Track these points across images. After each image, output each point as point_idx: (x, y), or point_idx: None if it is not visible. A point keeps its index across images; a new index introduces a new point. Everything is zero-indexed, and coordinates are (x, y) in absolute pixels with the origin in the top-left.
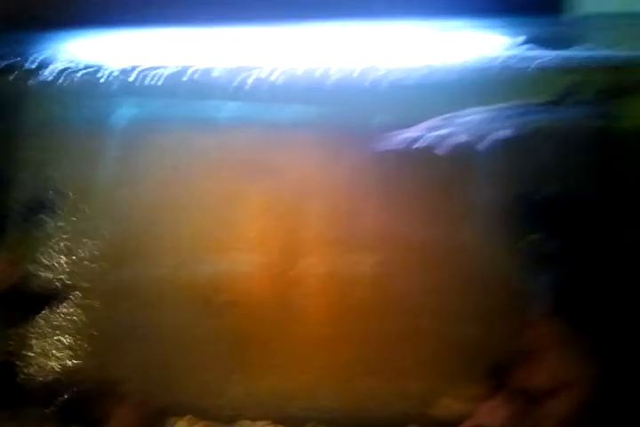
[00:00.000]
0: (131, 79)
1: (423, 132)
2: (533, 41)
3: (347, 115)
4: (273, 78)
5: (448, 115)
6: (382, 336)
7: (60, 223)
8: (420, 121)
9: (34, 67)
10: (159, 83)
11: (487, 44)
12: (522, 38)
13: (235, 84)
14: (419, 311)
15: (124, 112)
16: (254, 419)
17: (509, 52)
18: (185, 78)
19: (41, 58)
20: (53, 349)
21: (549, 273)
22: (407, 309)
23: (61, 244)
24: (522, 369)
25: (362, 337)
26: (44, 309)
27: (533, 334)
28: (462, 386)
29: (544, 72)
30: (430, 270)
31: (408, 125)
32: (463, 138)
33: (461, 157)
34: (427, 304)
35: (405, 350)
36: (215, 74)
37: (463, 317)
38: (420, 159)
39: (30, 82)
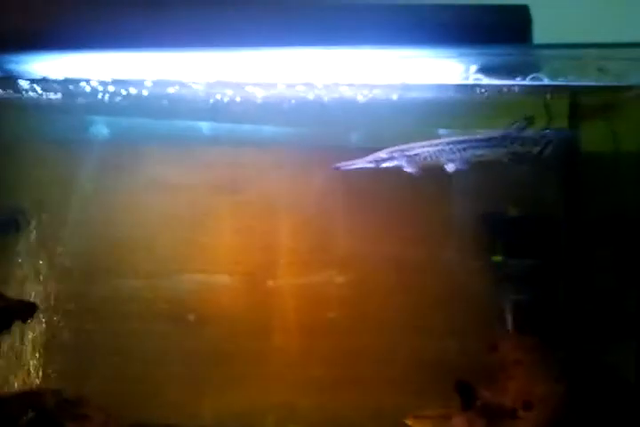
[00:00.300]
0: (104, 96)
1: (372, 164)
2: (490, 69)
3: (316, 134)
4: (246, 98)
5: (396, 147)
6: (353, 353)
7: (28, 242)
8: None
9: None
10: (131, 100)
11: (445, 71)
12: (476, 67)
13: (209, 102)
14: (389, 329)
15: (98, 130)
16: None
17: (466, 80)
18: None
19: (15, 71)
20: (20, 366)
21: (517, 291)
22: (377, 326)
23: (30, 262)
24: (489, 386)
25: (333, 354)
26: (11, 325)
27: (502, 351)
28: (432, 403)
29: (503, 97)
30: (400, 288)
31: (375, 144)
32: (410, 170)
33: (422, 181)
34: (396, 322)
35: (376, 367)
36: (189, 92)
37: (433, 334)
38: (385, 182)
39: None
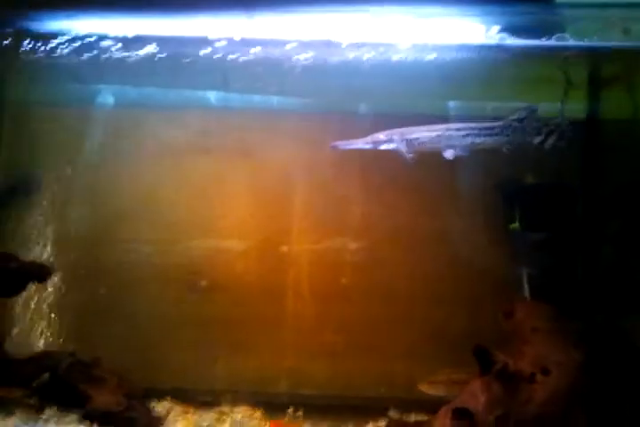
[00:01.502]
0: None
1: (370, 145)
2: (512, 29)
3: (330, 100)
4: (259, 63)
5: (395, 130)
6: (366, 321)
7: (38, 206)
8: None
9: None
10: (142, 65)
11: (465, 32)
12: (499, 26)
13: (219, 67)
14: (402, 296)
15: (108, 96)
16: (234, 404)
17: (487, 40)
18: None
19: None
20: (32, 329)
21: (533, 259)
22: (391, 294)
23: (42, 226)
24: (505, 353)
25: (345, 322)
26: (23, 289)
27: (518, 318)
28: (446, 370)
29: (520, 60)
30: (414, 256)
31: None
32: (408, 154)
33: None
34: (410, 289)
35: (389, 335)
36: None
37: (447, 301)
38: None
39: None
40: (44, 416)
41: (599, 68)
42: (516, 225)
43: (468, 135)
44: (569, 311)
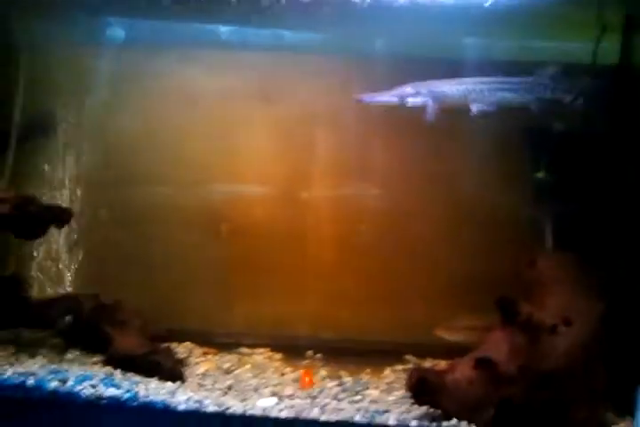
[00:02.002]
0: None
1: (397, 98)
2: None
3: (352, 41)
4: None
5: (422, 83)
6: (386, 266)
7: (55, 147)
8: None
9: None
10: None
11: None
12: None
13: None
14: (423, 243)
15: (124, 32)
16: (253, 346)
17: None
18: None
19: None
20: (56, 271)
21: (556, 208)
22: (411, 240)
23: (60, 168)
24: (528, 303)
25: (365, 267)
26: (46, 231)
27: (540, 268)
28: (463, 316)
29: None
30: (435, 203)
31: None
32: (435, 108)
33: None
34: (430, 236)
35: (409, 281)
36: None
37: (468, 249)
38: None
39: None
40: (68, 357)
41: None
42: (542, 173)
43: (496, 90)
44: (592, 261)
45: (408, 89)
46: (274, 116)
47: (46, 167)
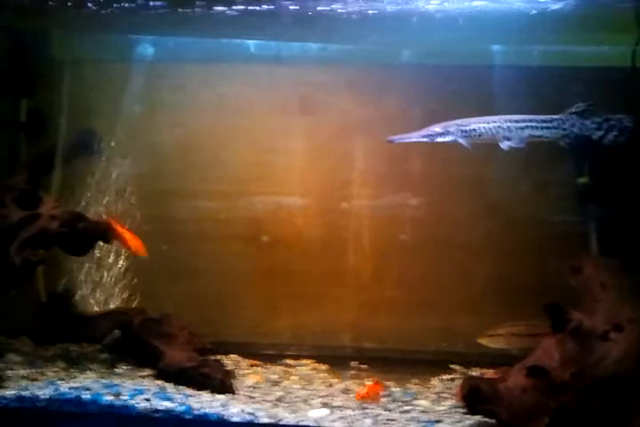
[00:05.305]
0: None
1: (427, 138)
2: None
3: (384, 52)
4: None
5: (451, 122)
6: (428, 276)
7: (99, 163)
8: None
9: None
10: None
11: None
12: None
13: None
14: (463, 251)
15: (161, 50)
16: (298, 358)
17: None
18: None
19: None
20: (102, 287)
21: (602, 213)
22: (451, 248)
23: (105, 184)
24: (578, 310)
25: (407, 276)
26: (91, 249)
27: (586, 274)
28: (505, 323)
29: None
30: (475, 211)
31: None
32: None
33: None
34: (471, 244)
35: (452, 290)
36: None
37: (509, 256)
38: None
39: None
40: (118, 371)
41: None
42: (585, 179)
43: (526, 128)
44: (637, 266)
45: (437, 129)
46: (313, 126)
47: (89, 183)
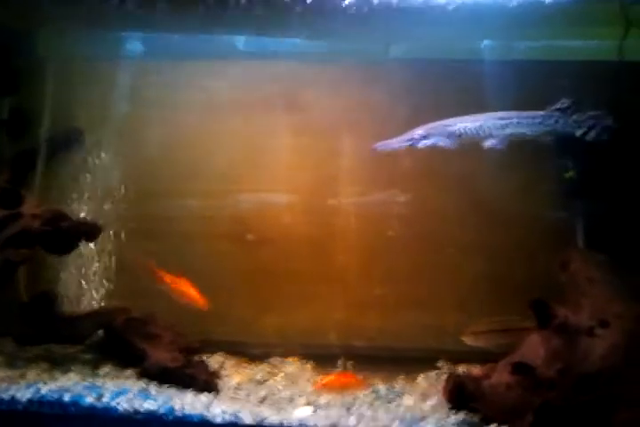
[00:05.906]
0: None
1: (410, 142)
2: None
3: (368, 48)
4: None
5: (433, 123)
6: (416, 273)
7: (87, 161)
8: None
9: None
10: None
11: None
12: None
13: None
14: (451, 248)
15: (145, 47)
16: (284, 356)
17: None
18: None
19: None
20: (86, 286)
21: (589, 209)
22: (442, 245)
23: (90, 182)
24: (564, 305)
25: (395, 274)
26: (77, 246)
27: (573, 269)
28: (484, 319)
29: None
30: (463, 207)
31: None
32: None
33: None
34: (459, 241)
35: (440, 287)
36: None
37: (496, 252)
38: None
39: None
40: (100, 372)
41: None
42: (571, 173)
43: (508, 125)
44: (626, 262)
45: (419, 131)
46: (299, 124)
47: (73, 182)
